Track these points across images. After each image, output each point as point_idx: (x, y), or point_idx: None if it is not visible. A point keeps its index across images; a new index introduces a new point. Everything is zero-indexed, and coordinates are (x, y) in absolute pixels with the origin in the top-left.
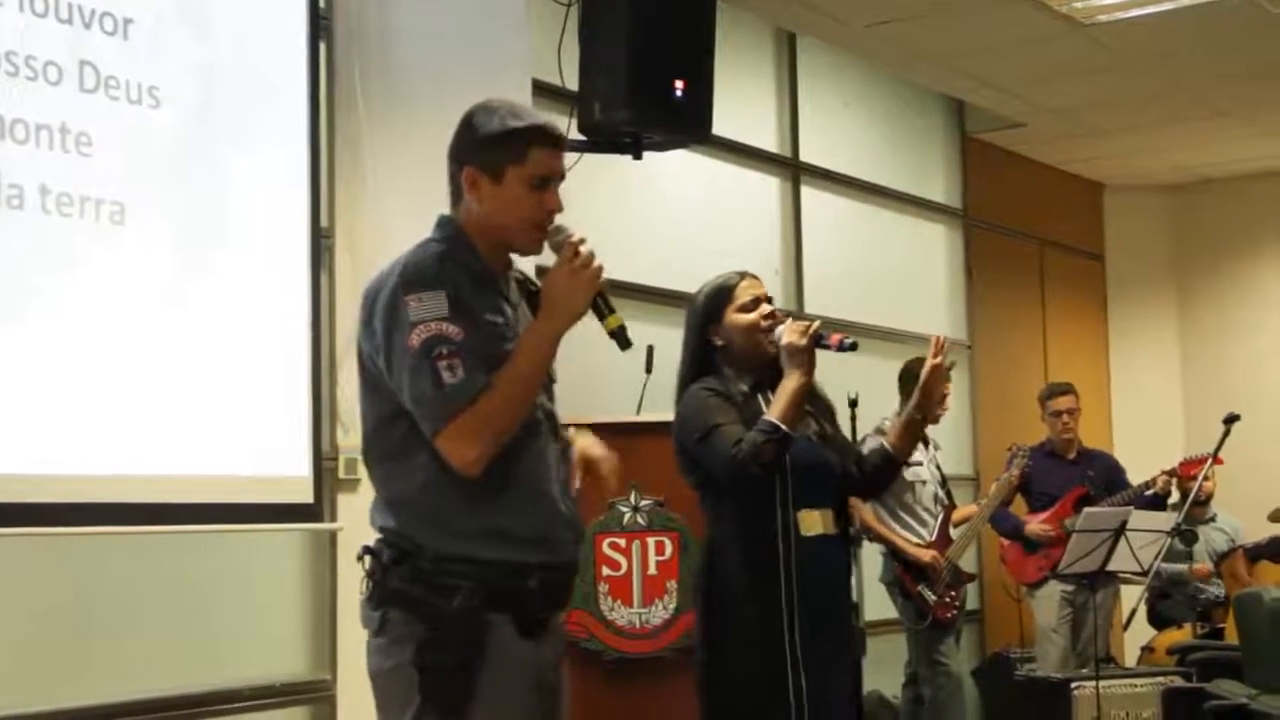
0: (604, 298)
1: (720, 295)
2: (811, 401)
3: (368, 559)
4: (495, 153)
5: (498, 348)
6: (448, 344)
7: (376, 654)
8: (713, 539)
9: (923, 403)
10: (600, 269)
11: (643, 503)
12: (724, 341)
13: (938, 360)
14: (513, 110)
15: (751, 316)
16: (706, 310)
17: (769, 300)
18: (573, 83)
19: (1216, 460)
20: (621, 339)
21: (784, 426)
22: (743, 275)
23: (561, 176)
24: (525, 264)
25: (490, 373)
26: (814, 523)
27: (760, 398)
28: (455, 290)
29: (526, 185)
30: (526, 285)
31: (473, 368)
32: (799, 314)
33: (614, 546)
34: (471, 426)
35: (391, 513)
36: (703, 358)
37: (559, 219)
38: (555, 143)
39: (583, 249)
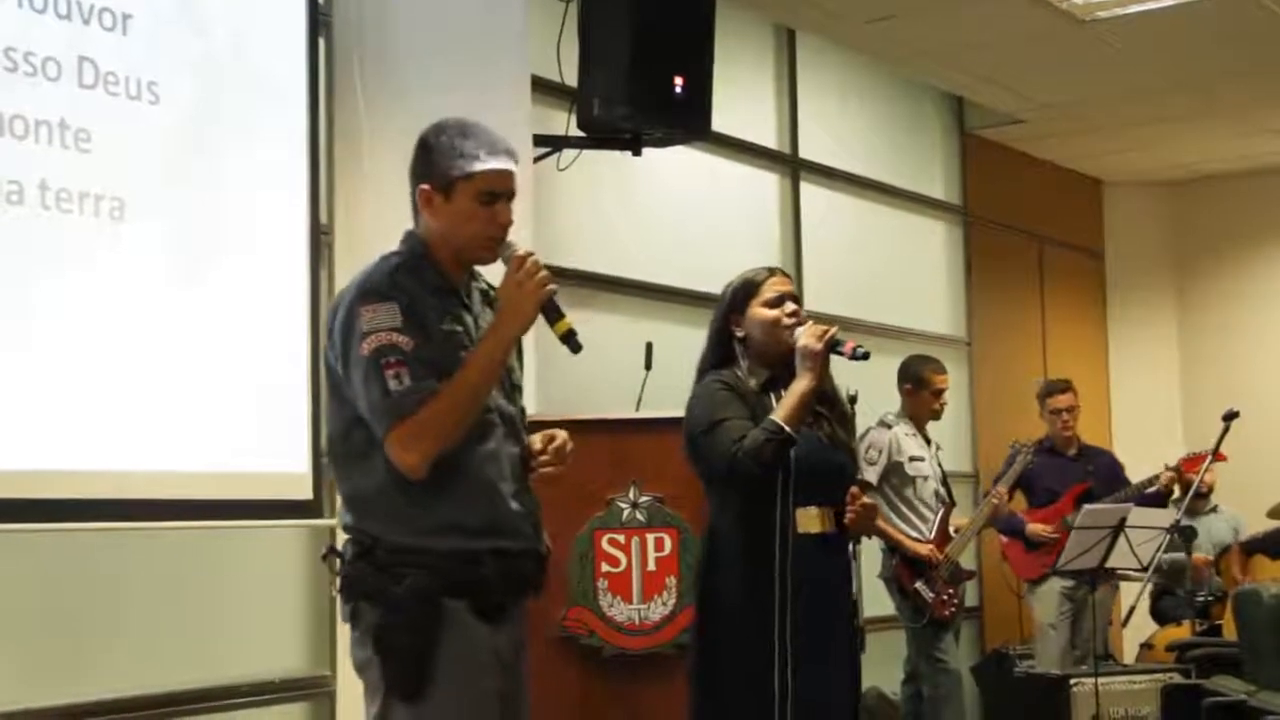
0: (553, 304)
1: (747, 288)
2: (829, 406)
3: (335, 558)
4: (445, 171)
5: (453, 355)
6: (396, 353)
7: (356, 647)
8: (713, 530)
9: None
10: (547, 278)
11: (642, 499)
12: (744, 333)
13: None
14: (462, 130)
15: (774, 312)
16: (732, 301)
17: (795, 299)
18: (572, 79)
19: (1218, 457)
20: (571, 343)
21: (787, 428)
22: (771, 271)
23: (511, 194)
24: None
25: (443, 380)
26: (811, 520)
27: (771, 395)
28: (409, 301)
29: (476, 201)
30: (489, 295)
31: (420, 376)
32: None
33: (613, 543)
34: (413, 433)
35: (351, 510)
36: (724, 347)
37: (511, 234)
38: (503, 160)
39: (528, 260)
